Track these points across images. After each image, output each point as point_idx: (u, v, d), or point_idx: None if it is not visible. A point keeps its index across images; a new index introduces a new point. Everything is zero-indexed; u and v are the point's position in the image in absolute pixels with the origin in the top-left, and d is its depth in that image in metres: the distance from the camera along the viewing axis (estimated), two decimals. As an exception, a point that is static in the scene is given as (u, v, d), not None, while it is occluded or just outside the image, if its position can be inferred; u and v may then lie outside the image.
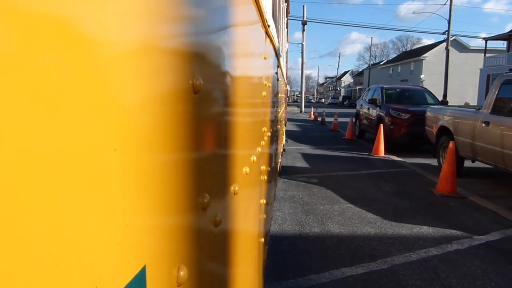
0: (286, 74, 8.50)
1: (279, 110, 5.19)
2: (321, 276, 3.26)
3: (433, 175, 7.34)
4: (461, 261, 3.57)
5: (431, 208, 5.22)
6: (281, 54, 4.72)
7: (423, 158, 9.41)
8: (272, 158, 3.48)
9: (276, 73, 3.80)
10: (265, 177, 2.47)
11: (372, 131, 11.93)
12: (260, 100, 2.00)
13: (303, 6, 32.30)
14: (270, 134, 2.97)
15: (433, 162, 8.39)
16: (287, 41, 8.17)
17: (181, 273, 0.57)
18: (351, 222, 4.61)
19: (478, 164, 7.53)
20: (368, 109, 12.63)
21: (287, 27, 7.82)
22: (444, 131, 7.66)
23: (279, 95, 4.93)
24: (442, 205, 5.37)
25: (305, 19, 32.19)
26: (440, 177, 6.09)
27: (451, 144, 6.05)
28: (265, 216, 2.48)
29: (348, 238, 4.10)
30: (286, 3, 5.09)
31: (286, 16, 6.79)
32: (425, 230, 4.39)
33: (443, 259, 3.62)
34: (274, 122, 3.79)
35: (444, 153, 7.39)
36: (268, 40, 2.40)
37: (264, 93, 2.22)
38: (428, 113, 8.58)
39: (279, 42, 3.95)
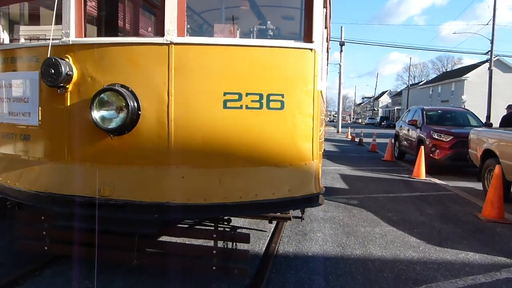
0: (326, 95, 8.59)
1: (321, 128, 5.24)
2: (365, 299, 3.25)
3: (477, 199, 7.12)
4: (511, 290, 3.45)
5: (477, 234, 5.07)
6: (321, 76, 4.81)
7: (467, 181, 9.13)
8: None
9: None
10: None
11: (412, 153, 11.71)
12: None
13: (341, 27, 32.55)
14: None
15: (477, 185, 8.13)
16: (327, 65, 8.31)
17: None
18: (393, 245, 4.55)
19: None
20: (408, 130, 12.43)
21: (327, 52, 7.94)
22: (489, 154, 7.42)
23: (320, 116, 4.98)
24: (489, 231, 5.20)
25: (343, 40, 32.27)
26: (486, 201, 5.91)
27: (497, 168, 5.88)
28: None
29: (391, 261, 4.05)
30: (326, 29, 5.24)
31: (327, 41, 6.93)
32: (472, 256, 4.27)
33: (493, 287, 3.52)
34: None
35: (490, 176, 7.15)
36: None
37: None
38: (472, 136, 8.36)
39: (320, 68, 4.06)
